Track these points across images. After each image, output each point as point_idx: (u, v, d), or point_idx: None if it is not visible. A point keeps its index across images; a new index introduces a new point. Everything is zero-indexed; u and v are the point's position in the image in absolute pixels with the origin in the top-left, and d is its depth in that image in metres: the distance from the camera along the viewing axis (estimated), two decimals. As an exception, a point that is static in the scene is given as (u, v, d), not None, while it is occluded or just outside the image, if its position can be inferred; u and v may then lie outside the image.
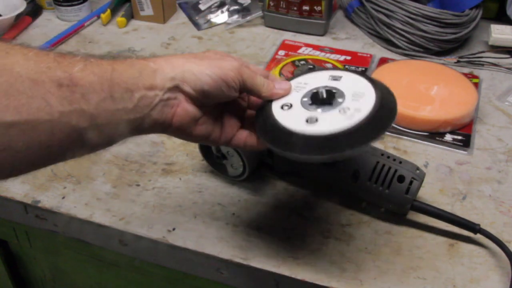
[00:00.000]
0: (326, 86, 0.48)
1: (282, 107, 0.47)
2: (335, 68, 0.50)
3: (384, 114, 0.45)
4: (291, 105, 0.47)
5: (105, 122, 0.39)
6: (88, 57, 0.40)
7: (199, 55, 0.46)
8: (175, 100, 0.44)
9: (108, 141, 0.41)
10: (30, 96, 0.34)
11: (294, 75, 0.48)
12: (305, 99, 0.48)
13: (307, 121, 0.45)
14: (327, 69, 0.50)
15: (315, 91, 0.48)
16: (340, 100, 0.46)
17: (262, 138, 0.47)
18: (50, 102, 0.35)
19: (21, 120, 0.34)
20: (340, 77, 0.49)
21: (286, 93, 0.49)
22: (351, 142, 0.43)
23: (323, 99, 0.47)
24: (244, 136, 0.49)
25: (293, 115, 0.46)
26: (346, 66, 0.81)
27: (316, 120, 0.45)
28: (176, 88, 0.43)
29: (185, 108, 0.44)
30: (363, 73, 0.49)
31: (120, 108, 0.40)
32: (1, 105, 0.33)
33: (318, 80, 0.50)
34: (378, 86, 0.47)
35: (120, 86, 0.39)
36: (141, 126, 0.42)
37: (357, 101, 0.45)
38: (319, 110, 0.46)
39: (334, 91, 0.47)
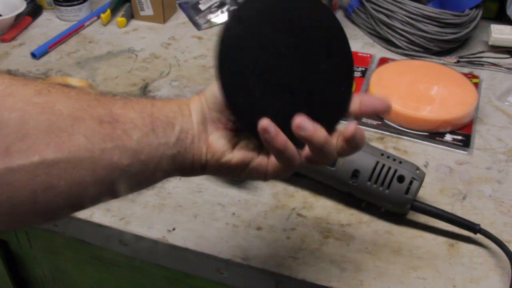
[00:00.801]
0: None
1: None
2: None
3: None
4: None
5: (148, 157, 0.37)
6: (128, 95, 0.40)
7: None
8: (206, 132, 0.41)
9: (151, 179, 0.40)
10: (71, 134, 0.34)
11: None
12: None
13: None
14: None
15: None
16: None
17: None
18: (91, 139, 0.35)
19: (62, 158, 0.33)
20: None
21: None
22: None
23: None
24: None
25: None
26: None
27: None
28: (204, 118, 0.41)
29: (216, 136, 0.41)
30: None
31: (163, 142, 0.38)
32: (42, 143, 0.33)
33: None
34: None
35: (161, 120, 0.39)
36: (184, 162, 0.40)
37: None
38: None
39: None
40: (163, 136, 0.38)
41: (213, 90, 0.41)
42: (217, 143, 0.41)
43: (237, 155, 0.41)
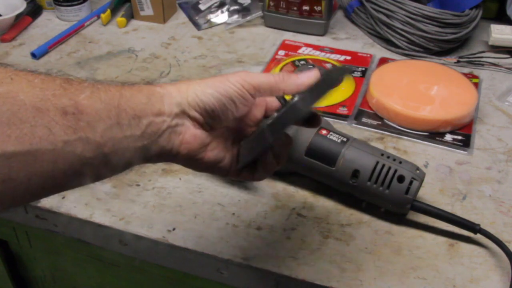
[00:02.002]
0: None
1: None
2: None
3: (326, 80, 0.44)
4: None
5: (112, 150, 0.37)
6: (96, 83, 0.38)
7: (208, 78, 0.44)
8: (183, 126, 0.42)
9: (114, 170, 0.40)
10: (33, 125, 0.33)
11: None
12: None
13: None
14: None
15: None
16: None
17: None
18: (54, 131, 0.34)
19: (23, 150, 0.33)
20: None
21: (313, 80, 0.43)
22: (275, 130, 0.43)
23: None
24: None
25: None
26: (346, 66, 0.81)
27: None
28: (183, 114, 0.42)
29: (193, 134, 0.42)
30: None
31: (128, 135, 0.38)
32: (2, 135, 0.32)
33: None
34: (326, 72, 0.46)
35: (127, 112, 0.38)
36: (148, 153, 0.41)
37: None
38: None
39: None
40: (128, 129, 0.38)
41: (199, 92, 0.42)
42: (194, 141, 0.42)
43: (210, 154, 0.44)
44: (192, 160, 0.44)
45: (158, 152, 0.41)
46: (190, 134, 0.42)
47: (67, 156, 0.35)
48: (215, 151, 0.44)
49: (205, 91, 0.42)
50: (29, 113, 0.33)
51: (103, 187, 0.62)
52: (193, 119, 0.42)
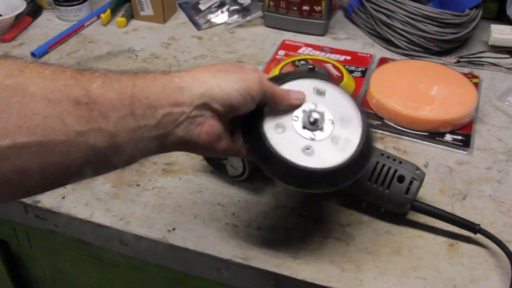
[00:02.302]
0: (315, 106, 0.49)
1: (275, 128, 0.48)
2: (317, 76, 0.52)
3: (369, 145, 0.49)
4: (284, 127, 0.48)
5: (126, 140, 0.37)
6: (108, 72, 0.38)
7: (220, 67, 0.44)
8: (202, 117, 0.42)
9: (129, 160, 0.39)
10: (45, 116, 0.33)
11: (276, 80, 0.50)
12: (296, 120, 0.49)
13: (303, 151, 0.47)
14: (310, 76, 0.51)
15: (305, 113, 0.49)
16: (329, 124, 0.49)
17: (258, 162, 0.48)
18: (67, 121, 0.34)
19: (35, 141, 0.32)
20: (324, 91, 0.50)
21: (302, 103, 0.49)
22: (346, 177, 0.48)
23: (315, 123, 0.49)
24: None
25: (288, 140, 0.48)
26: (346, 66, 0.81)
27: (312, 151, 0.47)
28: (205, 105, 0.42)
29: (212, 125, 0.43)
30: (343, 90, 0.51)
31: (142, 125, 0.38)
32: (13, 126, 0.32)
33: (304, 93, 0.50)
34: (361, 110, 0.50)
35: (142, 102, 0.38)
36: (164, 143, 0.41)
37: (345, 128, 0.49)
38: (312, 136, 0.48)
39: (324, 115, 0.49)
40: (142, 119, 0.38)
41: (225, 86, 0.42)
42: (213, 131, 0.43)
43: (224, 143, 0.45)
44: (208, 150, 0.45)
45: (175, 143, 0.41)
46: (209, 125, 0.43)
47: (80, 146, 0.35)
48: (226, 140, 0.46)
49: (232, 87, 0.43)
50: (41, 104, 0.33)
51: (103, 187, 0.62)
52: (214, 111, 0.42)
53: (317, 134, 0.48)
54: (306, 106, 0.49)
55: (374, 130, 0.49)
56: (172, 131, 0.40)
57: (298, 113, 0.49)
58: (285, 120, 0.49)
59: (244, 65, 0.47)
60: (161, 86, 0.40)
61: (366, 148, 0.48)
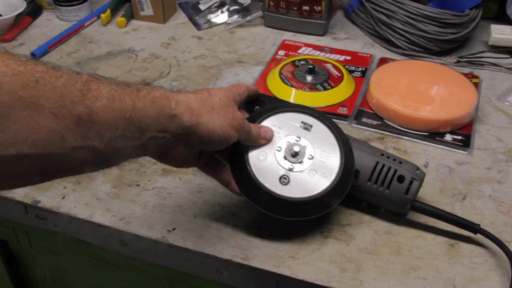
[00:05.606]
0: (298, 139, 0.53)
1: (258, 156, 0.52)
2: (307, 111, 0.56)
3: (345, 180, 0.53)
4: (266, 155, 0.53)
5: (111, 156, 0.41)
6: (113, 88, 0.40)
7: (216, 103, 0.48)
8: (174, 143, 0.46)
9: (108, 166, 0.44)
10: (49, 130, 0.35)
11: (268, 111, 0.55)
12: (279, 151, 0.53)
13: (280, 180, 0.52)
14: (299, 110, 0.55)
15: (288, 145, 0.53)
16: (309, 158, 0.53)
17: (239, 188, 0.53)
18: (66, 137, 0.36)
19: (36, 153, 0.35)
20: (311, 126, 0.54)
21: (269, 142, 0.53)
22: (316, 209, 0.52)
23: (295, 155, 0.53)
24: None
25: (267, 168, 0.52)
26: (346, 66, 0.81)
27: (288, 181, 0.52)
28: (183, 135, 0.46)
29: (179, 151, 0.48)
30: (331, 125, 0.55)
31: (129, 146, 0.42)
32: (21, 137, 0.34)
33: (291, 126, 0.54)
34: (343, 147, 0.53)
35: (134, 125, 0.41)
36: (143, 154, 0.45)
37: (324, 162, 0.53)
38: (290, 167, 0.52)
39: (305, 150, 0.53)
40: (130, 140, 0.42)
41: (210, 128, 0.46)
42: (180, 156, 0.48)
43: (186, 163, 0.51)
44: (167, 161, 0.50)
45: (152, 155, 0.48)
46: (178, 151, 0.48)
47: (72, 160, 0.38)
48: (189, 160, 0.51)
49: (216, 130, 0.47)
50: (47, 118, 0.35)
51: (103, 187, 0.62)
52: (189, 142, 0.47)
53: (296, 166, 0.52)
54: (291, 139, 0.53)
55: (352, 164, 0.55)
56: (152, 148, 0.45)
57: (282, 143, 0.53)
58: (268, 149, 0.53)
59: (233, 97, 0.51)
60: (156, 110, 0.43)
61: (339, 186, 0.52)
